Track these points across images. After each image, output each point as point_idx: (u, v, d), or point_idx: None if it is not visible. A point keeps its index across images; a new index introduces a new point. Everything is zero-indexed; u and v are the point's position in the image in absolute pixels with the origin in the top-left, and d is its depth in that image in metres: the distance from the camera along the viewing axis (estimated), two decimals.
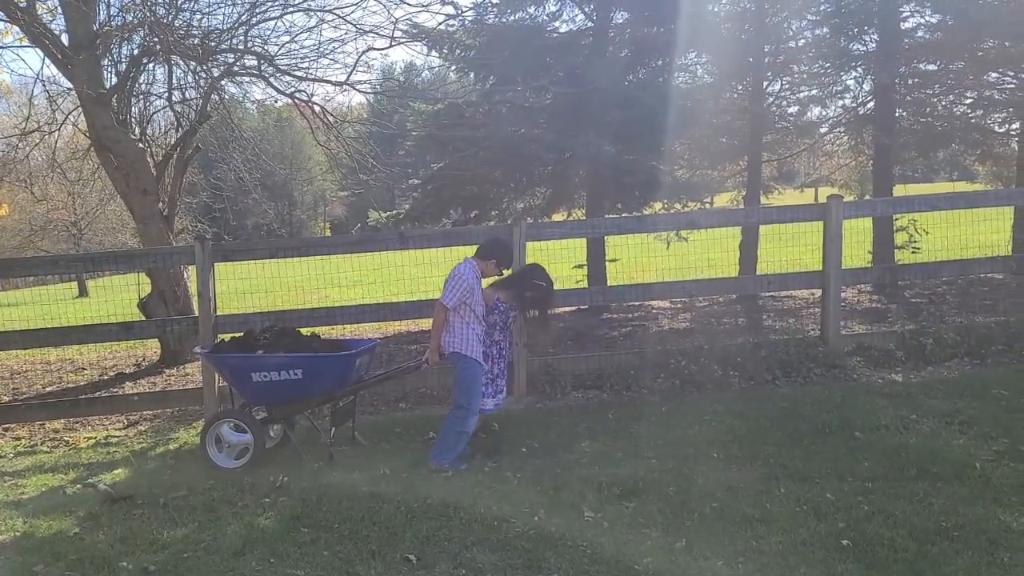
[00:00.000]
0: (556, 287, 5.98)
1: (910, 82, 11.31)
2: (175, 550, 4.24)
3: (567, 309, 10.63)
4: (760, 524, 4.13)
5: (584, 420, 6.22)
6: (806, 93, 12.03)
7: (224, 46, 9.86)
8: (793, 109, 12.12)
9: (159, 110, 11.31)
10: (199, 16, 10.10)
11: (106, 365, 10.16)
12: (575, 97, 9.66)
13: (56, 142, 11.72)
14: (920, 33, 11.46)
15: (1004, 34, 10.00)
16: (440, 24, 10.93)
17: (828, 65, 10.93)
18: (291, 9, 10.04)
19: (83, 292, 24.58)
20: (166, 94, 10.49)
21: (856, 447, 5.18)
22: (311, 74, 10.36)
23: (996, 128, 12.62)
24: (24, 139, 11.10)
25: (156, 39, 9.01)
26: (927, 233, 10.86)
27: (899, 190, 13.52)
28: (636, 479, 4.84)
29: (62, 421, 7.50)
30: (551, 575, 3.76)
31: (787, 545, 3.89)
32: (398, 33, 10.21)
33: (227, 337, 6.39)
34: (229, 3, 10.40)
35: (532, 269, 5.93)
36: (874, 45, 11.03)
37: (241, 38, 9.86)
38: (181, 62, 10.02)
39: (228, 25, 9.92)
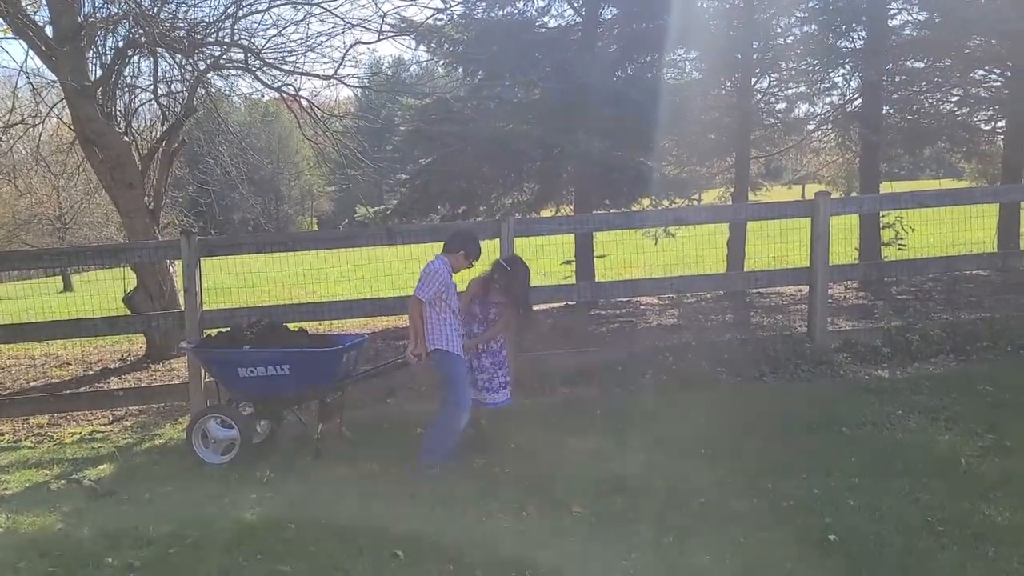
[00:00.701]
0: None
1: (897, 79, 11.35)
2: (161, 546, 4.21)
3: (555, 305, 10.62)
4: (747, 519, 4.15)
5: (572, 416, 6.22)
6: (794, 90, 12.04)
7: (210, 39, 9.79)
8: (781, 106, 12.13)
9: (144, 103, 11.21)
10: (185, 8, 10.02)
11: (91, 360, 10.07)
12: (564, 93, 9.64)
13: (40, 135, 11.61)
14: (907, 31, 11.52)
15: (991, 32, 10.04)
16: (428, 18, 10.89)
17: (816, 62, 10.94)
18: (278, 2, 10.01)
19: (68, 287, 24.37)
20: (152, 87, 10.42)
21: (843, 443, 5.22)
22: (298, 68, 10.34)
23: (982, 126, 12.72)
24: (7, 132, 10.95)
25: (141, 31, 8.94)
26: (913, 230, 10.94)
27: (886, 187, 13.58)
28: (624, 475, 4.84)
29: (46, 416, 7.43)
30: (539, 570, 3.76)
31: (774, 540, 3.91)
32: (386, 27, 10.20)
33: (213, 332, 6.36)
34: None
35: (505, 258, 5.69)
36: (862, 42, 11.06)
37: (228, 31, 9.80)
38: (167, 55, 9.94)
39: (214, 18, 9.87)
